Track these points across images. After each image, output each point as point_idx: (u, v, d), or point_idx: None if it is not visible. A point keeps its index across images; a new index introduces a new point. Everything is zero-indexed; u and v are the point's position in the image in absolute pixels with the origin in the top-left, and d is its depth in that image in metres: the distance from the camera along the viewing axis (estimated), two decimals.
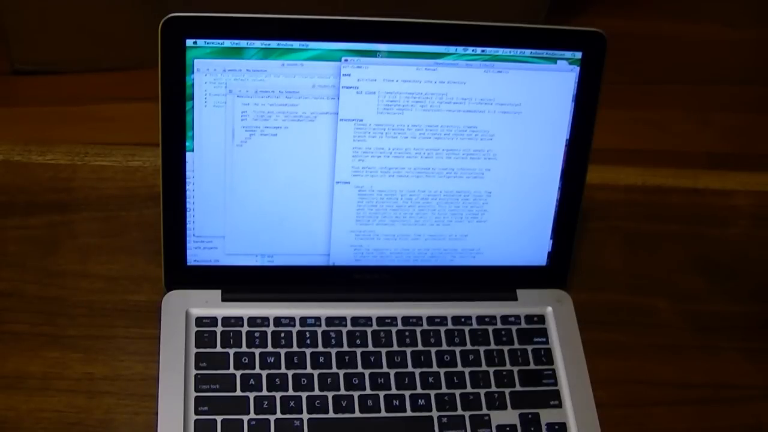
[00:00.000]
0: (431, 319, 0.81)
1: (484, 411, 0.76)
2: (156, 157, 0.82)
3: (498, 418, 0.76)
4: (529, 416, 0.76)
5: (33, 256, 0.83)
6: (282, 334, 0.78)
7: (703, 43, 2.18)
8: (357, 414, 0.75)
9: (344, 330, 0.79)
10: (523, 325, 0.82)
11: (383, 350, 0.78)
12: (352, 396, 0.75)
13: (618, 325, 0.85)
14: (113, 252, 0.84)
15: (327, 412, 0.74)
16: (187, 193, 0.77)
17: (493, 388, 0.77)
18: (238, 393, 0.74)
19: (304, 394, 0.75)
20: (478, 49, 0.75)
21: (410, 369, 0.78)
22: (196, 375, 0.75)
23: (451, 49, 0.74)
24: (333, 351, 0.78)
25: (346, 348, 0.78)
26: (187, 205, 0.77)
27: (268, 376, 0.76)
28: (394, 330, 0.80)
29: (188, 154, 0.75)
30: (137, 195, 0.89)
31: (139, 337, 0.78)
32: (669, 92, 2.06)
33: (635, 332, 0.85)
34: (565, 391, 0.78)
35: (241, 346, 0.77)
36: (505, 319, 0.82)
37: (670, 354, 0.84)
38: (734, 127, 1.98)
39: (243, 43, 0.72)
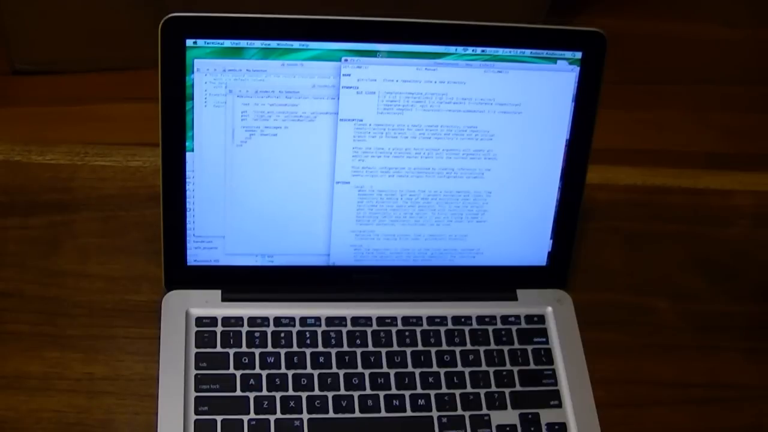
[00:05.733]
0: (431, 319, 0.81)
1: (484, 411, 0.76)
2: (156, 157, 0.82)
3: (498, 418, 0.76)
4: (529, 416, 0.76)
5: (33, 256, 0.83)
6: (282, 334, 0.78)
7: (703, 43, 2.18)
8: (357, 414, 0.75)
9: (344, 330, 0.79)
10: (523, 325, 0.82)
11: (383, 350, 0.78)
12: (352, 396, 0.75)
13: (618, 325, 0.85)
14: (113, 252, 0.84)
15: (327, 412, 0.74)
16: (187, 193, 0.77)
17: (493, 388, 0.77)
18: (238, 393, 0.74)
19: (304, 394, 0.75)
20: (478, 49, 0.75)
21: (410, 369, 0.78)
22: (196, 375, 0.75)
23: (451, 49, 0.75)
24: (333, 351, 0.78)
25: (346, 348, 0.78)
26: (187, 205, 0.77)
27: (268, 376, 0.76)
28: (394, 330, 0.80)
29: (188, 154, 0.75)
30: (137, 195, 0.89)
31: (139, 337, 0.78)
32: (669, 92, 2.06)
33: (635, 332, 0.85)
34: (565, 391, 0.78)
35: (241, 346, 0.77)
36: (505, 319, 0.82)
37: (670, 354, 0.84)
38: (734, 127, 1.98)
39: (243, 43, 0.72)
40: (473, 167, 0.79)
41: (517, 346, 0.80)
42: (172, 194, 0.77)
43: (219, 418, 0.73)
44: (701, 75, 2.11)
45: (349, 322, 0.80)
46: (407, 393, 0.76)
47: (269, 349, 0.77)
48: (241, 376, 0.75)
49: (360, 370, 0.77)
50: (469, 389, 0.77)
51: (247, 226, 0.79)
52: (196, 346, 0.77)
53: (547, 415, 0.77)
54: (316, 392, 0.75)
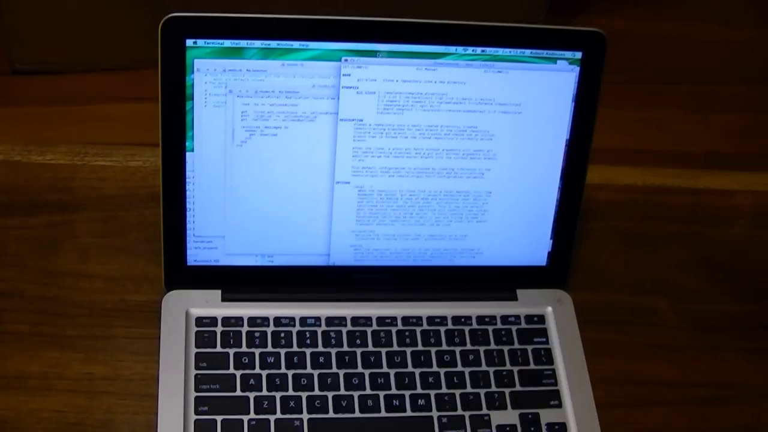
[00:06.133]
0: (431, 319, 0.81)
1: (484, 411, 0.76)
2: (156, 157, 0.82)
3: (498, 418, 0.76)
4: (529, 416, 0.76)
5: (33, 256, 0.83)
6: (282, 334, 0.78)
7: (703, 43, 2.18)
8: (357, 414, 0.75)
9: (344, 330, 0.79)
10: (523, 325, 0.82)
11: (383, 350, 0.78)
12: (352, 396, 0.75)
13: (618, 325, 0.85)
14: (113, 252, 0.84)
15: (327, 412, 0.74)
16: (187, 193, 0.77)
17: (493, 388, 0.77)
18: (238, 393, 0.74)
19: (304, 394, 0.75)
20: (478, 49, 0.75)
21: (410, 369, 0.78)
22: (196, 375, 0.75)
23: (451, 49, 0.75)
24: (333, 351, 0.78)
25: (346, 348, 0.78)
26: (187, 205, 0.77)
27: (268, 376, 0.76)
28: (394, 330, 0.80)
29: (188, 154, 0.75)
30: (137, 195, 0.89)
31: (139, 337, 0.78)
32: (669, 92, 2.06)
33: (635, 332, 0.85)
34: (565, 391, 0.78)
35: (241, 346, 0.77)
36: (505, 319, 0.82)
37: (670, 354, 0.84)
38: (734, 127, 1.98)
39: (243, 43, 0.72)
40: (473, 167, 0.79)
41: (517, 346, 0.80)
42: (172, 194, 0.77)
43: (219, 418, 0.73)
44: (701, 75, 2.11)
45: (349, 322, 0.80)
46: (407, 393, 0.76)
47: (269, 349, 0.77)
48: (241, 376, 0.75)
49: (360, 370, 0.77)
50: (469, 389, 0.77)
51: (247, 226, 0.79)
52: (196, 346, 0.77)
53: (547, 415, 0.77)
54: (316, 392, 0.75)
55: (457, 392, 0.77)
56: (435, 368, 0.78)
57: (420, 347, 0.79)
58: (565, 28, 0.76)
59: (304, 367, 0.77)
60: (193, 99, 0.74)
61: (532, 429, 0.76)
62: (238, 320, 0.78)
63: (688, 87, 2.07)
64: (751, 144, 1.94)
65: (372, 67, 0.74)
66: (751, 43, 2.20)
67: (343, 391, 0.76)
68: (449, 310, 0.81)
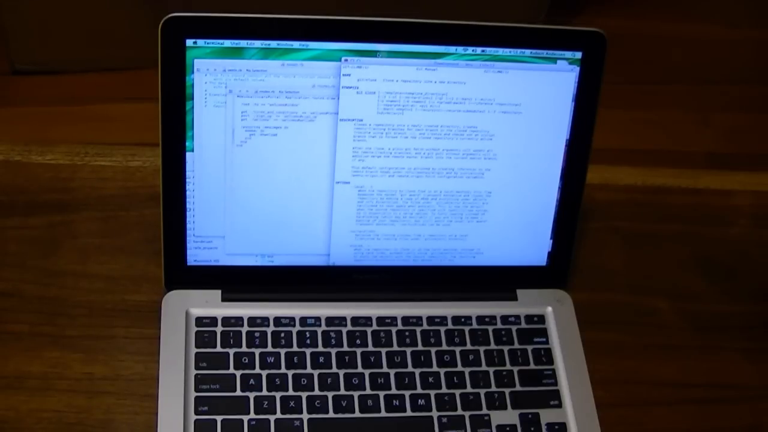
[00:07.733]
0: (431, 319, 0.81)
1: (484, 411, 0.76)
2: (156, 157, 0.82)
3: (498, 418, 0.76)
4: (529, 416, 0.76)
5: (33, 256, 0.83)
6: (282, 334, 0.78)
7: (703, 43, 2.18)
8: (357, 414, 0.75)
9: (344, 330, 0.79)
10: (523, 325, 0.82)
11: (383, 350, 0.78)
12: (352, 396, 0.75)
13: (618, 325, 0.85)
14: (113, 252, 0.84)
15: (327, 412, 0.74)
16: (187, 193, 0.77)
17: (493, 388, 0.77)
18: (238, 393, 0.75)
19: (304, 394, 0.75)
20: (478, 49, 0.75)
21: (410, 369, 0.78)
22: (196, 375, 0.75)
23: (451, 49, 0.75)
24: (333, 351, 0.78)
25: (346, 348, 0.78)
26: (187, 205, 0.77)
27: (268, 376, 0.76)
28: (394, 330, 0.80)
29: (188, 154, 0.75)
30: (137, 195, 0.89)
31: (139, 337, 0.78)
32: (669, 92, 2.06)
33: (635, 332, 0.85)
34: (565, 391, 0.78)
35: (241, 346, 0.77)
36: (505, 319, 0.82)
37: (670, 354, 0.84)
38: (734, 127, 1.98)
39: (243, 43, 0.72)
40: (473, 167, 0.79)
41: (517, 346, 0.80)
42: (172, 194, 0.77)
43: (219, 418, 0.73)
44: (701, 75, 2.11)
45: (349, 322, 0.80)
46: (407, 393, 0.76)
47: (269, 349, 0.77)
48: (241, 376, 0.75)
49: (360, 370, 0.77)
50: (469, 389, 0.77)
51: (247, 226, 0.79)
52: (196, 346, 0.77)
53: (547, 415, 0.77)
54: (316, 392, 0.75)
55: (457, 392, 0.77)
56: (435, 368, 0.78)
57: (420, 347, 0.79)
58: (565, 28, 0.76)
59: (304, 367, 0.77)
60: (193, 99, 0.74)
61: (532, 429, 0.76)
62: (238, 320, 0.78)
63: (688, 87, 2.07)
64: (751, 144, 1.94)
65: (372, 67, 0.74)
66: (751, 43, 2.20)
67: (343, 391, 0.76)
68: (449, 310, 0.81)
